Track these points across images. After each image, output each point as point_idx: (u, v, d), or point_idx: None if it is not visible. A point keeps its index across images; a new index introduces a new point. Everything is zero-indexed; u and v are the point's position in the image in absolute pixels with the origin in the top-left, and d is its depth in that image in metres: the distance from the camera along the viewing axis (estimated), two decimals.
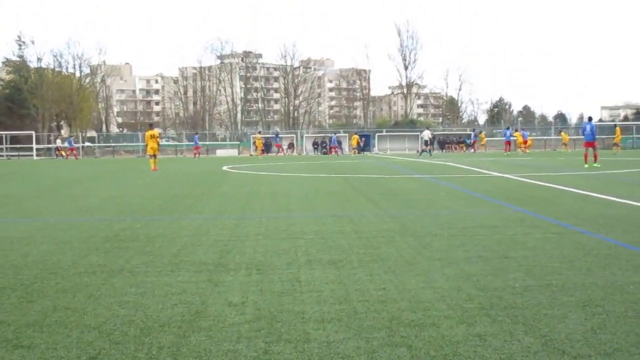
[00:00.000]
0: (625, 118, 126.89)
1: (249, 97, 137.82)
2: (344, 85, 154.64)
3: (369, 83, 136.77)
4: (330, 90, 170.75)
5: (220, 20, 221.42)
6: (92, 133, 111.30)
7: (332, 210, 15.06)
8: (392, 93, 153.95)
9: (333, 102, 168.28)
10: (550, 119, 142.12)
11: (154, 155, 36.67)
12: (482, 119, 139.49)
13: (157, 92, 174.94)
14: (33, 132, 77.22)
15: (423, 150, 61.76)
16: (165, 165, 40.92)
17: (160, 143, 42.30)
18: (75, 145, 74.82)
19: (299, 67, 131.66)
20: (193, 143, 67.52)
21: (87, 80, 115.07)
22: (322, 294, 6.93)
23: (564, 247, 9.39)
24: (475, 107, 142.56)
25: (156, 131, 39.84)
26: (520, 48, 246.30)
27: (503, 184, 22.52)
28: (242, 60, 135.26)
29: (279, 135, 79.69)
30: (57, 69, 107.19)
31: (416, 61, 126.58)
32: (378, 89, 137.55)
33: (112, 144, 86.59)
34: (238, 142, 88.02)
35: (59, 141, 76.89)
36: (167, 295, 7.00)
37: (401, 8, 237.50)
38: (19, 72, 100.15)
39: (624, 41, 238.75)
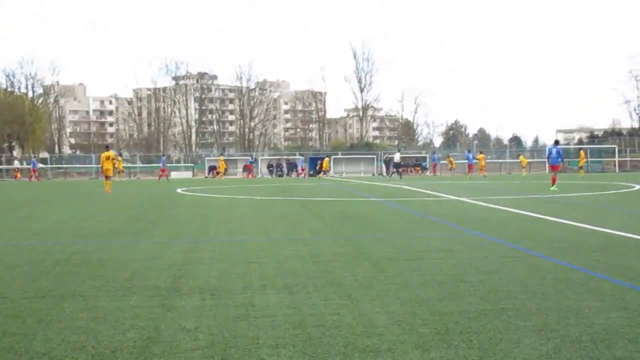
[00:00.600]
0: (580, 141, 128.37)
1: (203, 118, 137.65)
2: (300, 107, 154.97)
3: (324, 105, 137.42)
4: (286, 112, 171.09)
5: (176, 42, 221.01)
6: (44, 154, 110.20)
7: (287, 233, 15.00)
8: (348, 115, 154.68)
9: (289, 124, 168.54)
10: (506, 142, 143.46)
11: (108, 177, 36.46)
12: (437, 141, 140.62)
13: (111, 113, 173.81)
14: None
15: (393, 173, 62.08)
16: (119, 188, 40.59)
17: (123, 165, 41.98)
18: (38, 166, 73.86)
19: (254, 89, 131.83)
20: (160, 165, 66.96)
21: (40, 101, 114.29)
22: (277, 319, 6.85)
23: (520, 271, 9.41)
24: (431, 129, 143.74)
25: (112, 153, 39.58)
26: (475, 71, 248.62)
27: (459, 207, 22.61)
28: (197, 81, 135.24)
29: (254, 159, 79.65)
30: (9, 89, 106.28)
31: (372, 84, 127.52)
32: (334, 111, 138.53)
33: (65, 166, 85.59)
34: (192, 164, 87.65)
35: (17, 162, 76.06)
36: (119, 321, 6.87)
37: (357, 31, 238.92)
38: None
39: (578, 65, 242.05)
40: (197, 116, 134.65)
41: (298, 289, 8.33)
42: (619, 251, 11.29)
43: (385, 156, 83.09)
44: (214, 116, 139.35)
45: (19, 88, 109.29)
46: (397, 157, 62.48)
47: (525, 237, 13.49)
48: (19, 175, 71.89)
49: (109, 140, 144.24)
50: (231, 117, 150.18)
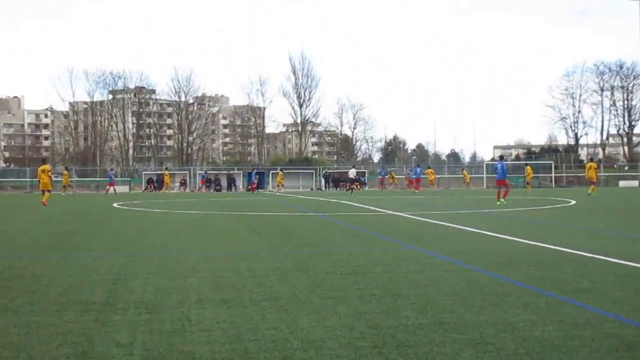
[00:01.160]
0: (517, 157, 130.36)
1: (141, 132, 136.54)
2: (239, 122, 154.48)
3: (263, 120, 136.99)
4: (225, 127, 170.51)
5: (113, 55, 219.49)
6: None
7: (224, 248, 14.94)
8: (287, 130, 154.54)
9: (227, 139, 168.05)
10: (444, 157, 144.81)
11: (45, 191, 36.07)
12: (376, 157, 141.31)
13: (46, 126, 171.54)
14: None
15: (350, 188, 62.35)
16: (55, 201, 40.04)
17: (52, 178, 41.45)
18: None
19: (193, 104, 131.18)
20: (107, 179, 66.64)
21: None
22: (213, 333, 6.78)
23: (457, 285, 9.45)
24: (370, 145, 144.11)
25: (48, 166, 39.16)
26: (414, 87, 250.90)
27: (397, 222, 22.70)
28: (134, 95, 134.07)
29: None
30: None
31: (311, 99, 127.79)
32: (273, 126, 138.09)
33: None
34: (129, 179, 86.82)
35: None
36: (52, 336, 6.74)
37: (297, 47, 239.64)
38: None
39: (515, 82, 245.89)
40: (134, 130, 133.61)
41: (235, 304, 8.26)
42: (555, 265, 11.40)
43: (324, 171, 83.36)
44: (151, 130, 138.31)
45: None
46: (352, 172, 63.09)
47: (463, 251, 13.57)
48: None
49: (44, 153, 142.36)
50: (169, 132, 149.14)
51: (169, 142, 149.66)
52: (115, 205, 37.14)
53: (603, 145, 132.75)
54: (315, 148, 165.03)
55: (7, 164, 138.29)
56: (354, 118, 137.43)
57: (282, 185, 71.98)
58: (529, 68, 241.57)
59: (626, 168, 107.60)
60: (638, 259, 11.77)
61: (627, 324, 7.11)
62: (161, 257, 13.29)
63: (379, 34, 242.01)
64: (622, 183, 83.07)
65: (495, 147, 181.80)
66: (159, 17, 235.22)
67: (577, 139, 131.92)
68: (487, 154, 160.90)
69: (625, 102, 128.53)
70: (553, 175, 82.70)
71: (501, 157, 38.07)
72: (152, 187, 74.49)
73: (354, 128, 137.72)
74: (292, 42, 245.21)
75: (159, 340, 6.54)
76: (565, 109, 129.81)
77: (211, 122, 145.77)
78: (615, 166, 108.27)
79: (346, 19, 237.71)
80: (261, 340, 6.50)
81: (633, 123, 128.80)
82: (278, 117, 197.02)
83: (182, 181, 77.71)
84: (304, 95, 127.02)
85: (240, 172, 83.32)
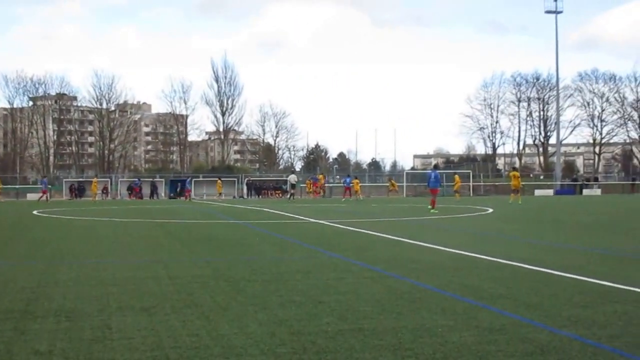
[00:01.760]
0: (436, 166, 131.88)
1: (62, 140, 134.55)
2: (161, 129, 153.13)
3: (185, 128, 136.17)
4: (147, 134, 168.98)
5: (34, 62, 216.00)
6: None
7: (145, 255, 14.85)
8: (210, 138, 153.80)
9: (149, 147, 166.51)
10: (365, 166, 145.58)
11: None
12: (298, 165, 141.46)
13: None
14: None
15: (291, 194, 62.51)
16: None
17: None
18: None
19: (115, 111, 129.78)
20: (42, 186, 65.78)
21: None
22: (133, 341, 6.75)
23: (376, 292, 9.56)
24: (292, 153, 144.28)
25: None
26: (336, 97, 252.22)
27: (318, 230, 22.80)
28: (55, 102, 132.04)
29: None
30: None
31: (234, 107, 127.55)
32: (195, 134, 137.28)
33: None
34: (50, 186, 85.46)
35: None
36: None
37: (220, 55, 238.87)
38: None
39: (434, 92, 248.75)
40: (55, 137, 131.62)
41: (156, 311, 8.25)
42: (472, 272, 11.60)
43: (247, 179, 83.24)
44: (72, 137, 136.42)
45: None
46: (292, 178, 63.56)
47: (383, 258, 13.71)
48: None
49: None
50: (91, 139, 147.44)
51: (91, 150, 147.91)
52: (35, 212, 36.55)
53: (520, 155, 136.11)
54: (238, 156, 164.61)
55: None
56: (276, 126, 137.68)
57: (221, 194, 72.94)
58: (449, 78, 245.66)
59: (542, 177, 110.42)
60: (552, 266, 12.04)
61: (541, 328, 7.26)
62: (82, 265, 13.15)
63: (302, 43, 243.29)
64: (537, 192, 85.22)
65: (416, 156, 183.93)
66: (80, 22, 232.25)
67: (494, 149, 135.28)
68: (407, 163, 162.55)
69: (541, 113, 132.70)
70: (471, 184, 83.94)
71: (435, 166, 38.62)
72: (74, 195, 73.55)
73: (277, 136, 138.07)
74: (215, 49, 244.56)
75: (79, 348, 6.50)
76: (483, 119, 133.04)
77: (133, 130, 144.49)
78: (531, 175, 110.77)
79: (270, 27, 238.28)
80: (182, 347, 6.50)
81: (548, 133, 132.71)
82: (201, 124, 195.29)
83: (104, 189, 76.78)
84: (227, 103, 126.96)
85: (163, 179, 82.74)
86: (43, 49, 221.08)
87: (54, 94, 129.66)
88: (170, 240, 18.87)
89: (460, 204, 45.95)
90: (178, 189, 74.70)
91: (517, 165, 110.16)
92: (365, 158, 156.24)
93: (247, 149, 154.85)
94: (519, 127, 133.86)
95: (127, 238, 19.68)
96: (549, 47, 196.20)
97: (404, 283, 10.43)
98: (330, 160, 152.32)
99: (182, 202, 61.43)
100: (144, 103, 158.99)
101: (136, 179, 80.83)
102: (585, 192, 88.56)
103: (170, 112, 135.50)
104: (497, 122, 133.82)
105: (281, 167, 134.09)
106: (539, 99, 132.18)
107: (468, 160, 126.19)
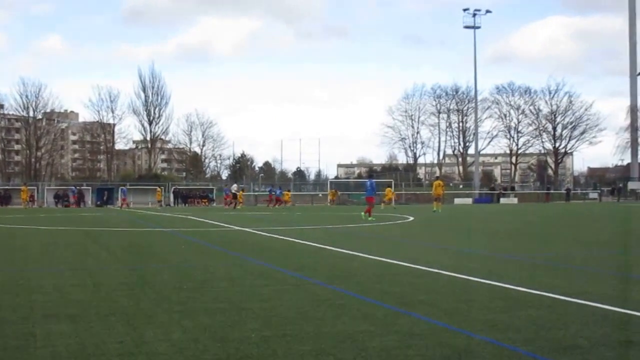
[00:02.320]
0: (359, 176, 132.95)
1: None
2: (88, 138, 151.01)
3: (113, 137, 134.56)
4: (74, 142, 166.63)
5: None
6: None
7: (70, 263, 14.74)
8: (137, 147, 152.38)
9: (76, 155, 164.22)
10: (290, 175, 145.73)
11: None
12: (225, 174, 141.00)
13: None
14: None
15: (235, 202, 62.51)
16: None
17: None
18: None
19: (42, 119, 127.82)
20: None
21: None
22: (57, 348, 6.75)
23: (300, 298, 9.68)
24: (219, 162, 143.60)
25: None
26: (262, 107, 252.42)
27: (244, 237, 22.85)
28: None
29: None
30: None
31: (161, 117, 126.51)
32: (122, 142, 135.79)
33: None
34: None
35: None
36: None
37: (147, 64, 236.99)
38: None
39: (357, 103, 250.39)
40: None
41: (81, 318, 8.24)
42: (393, 278, 11.79)
43: (173, 187, 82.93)
44: None
45: None
46: (234, 187, 64.37)
47: (307, 265, 13.85)
48: None
49: None
50: (17, 147, 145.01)
51: (17, 158, 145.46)
52: None
53: (440, 165, 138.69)
54: (165, 165, 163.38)
55: None
56: (203, 135, 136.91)
57: (161, 202, 73.89)
58: (371, 90, 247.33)
59: (461, 186, 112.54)
60: (469, 272, 12.26)
61: (458, 333, 7.45)
62: (5, 273, 13.05)
63: (228, 53, 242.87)
64: (457, 200, 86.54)
65: (339, 165, 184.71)
66: (6, 30, 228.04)
67: (415, 159, 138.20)
68: (331, 172, 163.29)
69: (460, 124, 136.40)
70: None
71: (370, 175, 39.21)
72: (0, 202, 72.55)
73: (203, 145, 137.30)
74: (143, 59, 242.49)
75: (2, 356, 6.49)
76: (404, 130, 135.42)
77: (60, 138, 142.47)
78: (451, 184, 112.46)
79: (197, 37, 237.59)
80: (106, 354, 6.53)
81: (467, 144, 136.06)
82: (128, 133, 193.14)
83: (31, 197, 75.67)
84: (154, 112, 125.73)
85: (90, 187, 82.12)
86: None
87: None
88: (97, 248, 18.76)
89: (383, 212, 46.28)
90: (105, 197, 74.07)
91: (438, 174, 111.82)
92: (290, 167, 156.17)
93: (174, 157, 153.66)
94: (439, 138, 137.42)
95: (52, 246, 19.46)
96: (467, 61, 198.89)
97: (327, 289, 10.57)
98: (256, 169, 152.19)
99: (110, 210, 60.86)
100: (71, 111, 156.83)
101: (72, 187, 79.96)
102: (503, 200, 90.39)
103: (97, 121, 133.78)
104: (417, 132, 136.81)
105: (207, 175, 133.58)
106: (458, 110, 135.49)
107: (390, 169, 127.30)
